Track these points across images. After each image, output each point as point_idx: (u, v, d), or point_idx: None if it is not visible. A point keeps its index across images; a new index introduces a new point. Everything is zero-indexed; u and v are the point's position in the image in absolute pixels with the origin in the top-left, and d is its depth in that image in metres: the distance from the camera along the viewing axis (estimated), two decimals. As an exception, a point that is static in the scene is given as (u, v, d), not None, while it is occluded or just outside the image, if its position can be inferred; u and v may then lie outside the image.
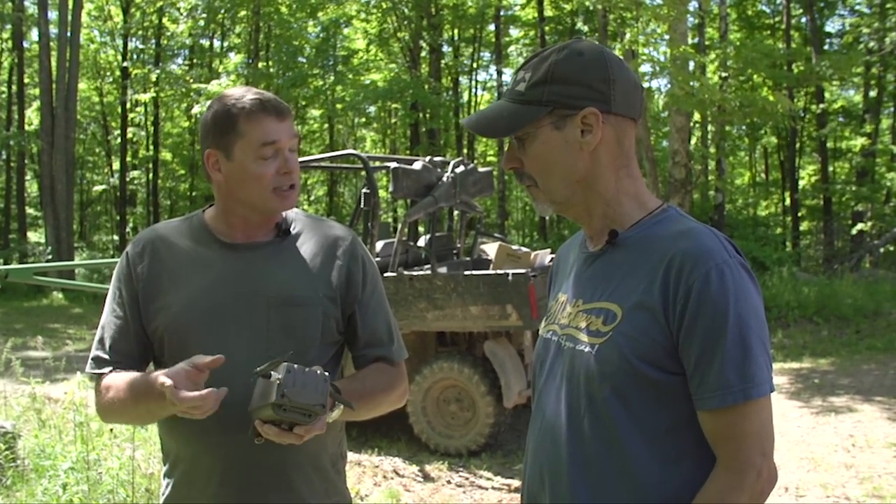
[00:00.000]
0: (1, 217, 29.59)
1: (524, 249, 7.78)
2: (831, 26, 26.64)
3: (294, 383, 1.69)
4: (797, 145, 25.89)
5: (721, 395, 1.44)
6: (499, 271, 6.68)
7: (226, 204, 2.03)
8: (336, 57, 25.84)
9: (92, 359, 2.01)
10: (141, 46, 30.68)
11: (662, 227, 1.60)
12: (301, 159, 6.92)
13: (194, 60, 29.53)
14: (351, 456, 6.26)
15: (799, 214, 25.27)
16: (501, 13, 26.38)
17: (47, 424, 5.74)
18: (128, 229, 30.36)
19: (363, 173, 7.26)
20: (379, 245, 7.48)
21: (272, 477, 1.94)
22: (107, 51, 31.66)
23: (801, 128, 24.49)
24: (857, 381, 9.20)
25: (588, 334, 1.58)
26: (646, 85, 16.72)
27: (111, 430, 5.11)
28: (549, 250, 8.01)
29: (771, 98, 14.24)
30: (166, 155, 30.42)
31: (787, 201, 26.57)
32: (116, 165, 31.75)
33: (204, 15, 24.33)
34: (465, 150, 26.78)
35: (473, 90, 30.96)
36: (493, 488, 6.10)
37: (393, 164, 6.89)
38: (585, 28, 25.48)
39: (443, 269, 6.98)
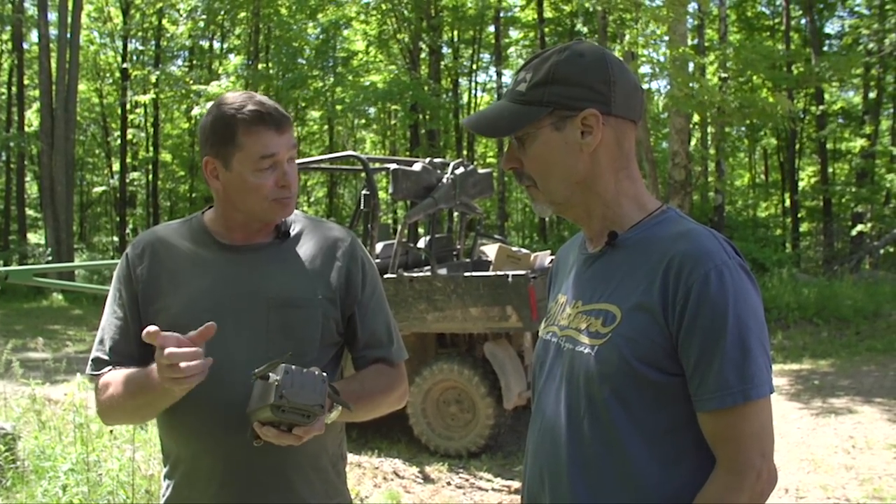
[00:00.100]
0: (1, 218, 29.58)
1: (524, 251, 7.78)
2: (831, 28, 26.74)
3: (292, 384, 1.69)
4: (797, 146, 25.90)
5: (720, 396, 1.44)
6: (499, 273, 6.68)
7: (225, 208, 2.03)
8: (336, 58, 25.86)
9: (92, 360, 2.01)
10: (141, 48, 30.70)
11: (662, 228, 1.60)
12: (300, 161, 6.93)
13: (194, 62, 29.54)
14: (351, 457, 6.26)
15: (799, 216, 25.28)
16: (501, 14, 26.40)
17: (47, 426, 5.74)
18: (127, 231, 30.37)
19: (363, 175, 7.26)
20: (379, 246, 7.48)
21: (272, 478, 1.94)
22: (106, 52, 31.68)
23: (801, 129, 24.50)
24: (857, 382, 9.20)
25: (587, 335, 1.58)
26: (645, 86, 16.74)
27: (111, 431, 5.11)
28: (548, 252, 8.01)
29: (771, 99, 14.24)
30: (166, 156, 30.43)
31: (787, 203, 26.58)
32: (116, 167, 31.76)
33: (203, 16, 24.34)
34: (464, 152, 26.79)
35: (473, 92, 30.98)
36: (494, 490, 6.09)
37: (393, 166, 6.89)
38: (585, 29, 25.49)
39: (443, 271, 6.98)
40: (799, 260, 21.04)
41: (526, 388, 6.64)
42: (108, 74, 32.03)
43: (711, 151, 21.56)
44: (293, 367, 1.71)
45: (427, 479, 6.34)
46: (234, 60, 26.48)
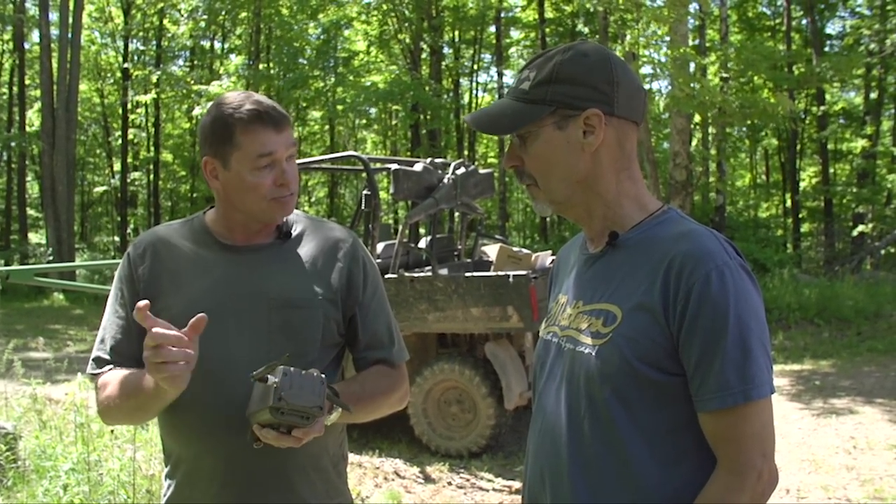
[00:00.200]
0: (2, 218, 29.61)
1: (525, 251, 7.78)
2: (832, 28, 26.74)
3: (291, 386, 1.69)
4: (798, 147, 25.90)
5: (721, 396, 1.44)
6: (500, 273, 6.68)
7: (225, 209, 2.03)
8: (337, 58, 25.88)
9: (93, 359, 2.01)
10: (142, 48, 30.73)
11: (663, 228, 1.60)
12: (301, 161, 6.93)
13: (195, 62, 29.56)
14: (352, 457, 6.26)
15: (800, 216, 25.28)
16: (502, 15, 26.40)
17: (48, 425, 5.74)
18: (128, 230, 30.39)
19: (364, 175, 7.26)
20: (380, 247, 7.48)
21: (273, 478, 1.94)
22: (108, 52, 31.71)
23: (802, 129, 24.51)
24: (858, 382, 9.20)
25: (588, 335, 1.58)
26: (646, 86, 16.70)
27: (112, 431, 5.11)
28: (549, 252, 8.02)
29: (772, 100, 14.24)
30: (167, 156, 30.46)
31: (788, 203, 26.58)
32: (117, 167, 31.79)
33: (205, 16, 24.36)
34: (465, 152, 26.79)
35: (474, 92, 30.98)
36: (494, 490, 6.09)
37: (394, 166, 6.89)
38: (586, 30, 25.47)
39: (444, 271, 6.98)
40: (800, 260, 21.03)
41: (527, 389, 6.63)
42: (109, 74, 32.05)
43: (712, 152, 21.56)
44: (292, 369, 1.72)
45: (428, 480, 6.34)
46: (235, 60, 26.51)
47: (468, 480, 6.32)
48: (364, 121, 29.13)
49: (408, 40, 25.54)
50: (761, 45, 18.40)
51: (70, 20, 22.71)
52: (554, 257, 7.04)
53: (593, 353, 1.55)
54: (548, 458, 1.64)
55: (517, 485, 6.06)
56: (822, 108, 23.24)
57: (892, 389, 8.74)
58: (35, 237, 30.01)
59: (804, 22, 24.48)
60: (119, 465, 4.64)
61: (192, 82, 23.53)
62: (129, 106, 29.46)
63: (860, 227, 20.95)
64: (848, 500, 5.63)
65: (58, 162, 22.14)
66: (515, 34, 29.00)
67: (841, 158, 26.81)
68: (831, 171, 25.65)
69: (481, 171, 8.00)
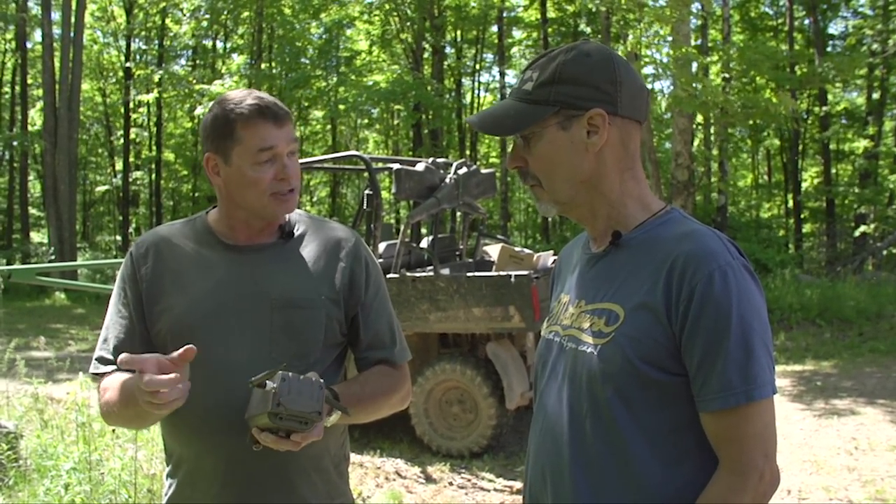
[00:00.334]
0: (4, 217, 29.64)
1: (527, 251, 7.78)
2: (834, 28, 26.72)
3: (289, 391, 1.70)
4: (800, 147, 25.88)
5: (723, 396, 1.44)
6: (501, 273, 6.68)
7: (227, 207, 2.04)
8: (339, 58, 25.89)
9: (96, 359, 2.01)
10: (144, 47, 30.76)
11: (666, 228, 1.60)
12: (303, 160, 6.93)
13: (197, 61, 29.58)
14: (353, 457, 6.26)
15: (801, 216, 25.27)
16: (504, 14, 26.38)
17: (49, 425, 5.74)
18: (130, 230, 30.42)
19: (366, 174, 7.26)
20: (382, 246, 7.48)
21: (274, 478, 1.94)
22: (110, 51, 31.73)
23: (804, 130, 24.50)
24: (859, 383, 9.20)
25: (590, 335, 1.58)
26: (648, 86, 16.67)
27: (113, 430, 5.11)
28: (551, 252, 8.01)
29: (774, 100, 14.23)
30: (169, 155, 30.47)
31: (790, 203, 26.57)
32: (119, 166, 31.80)
33: (207, 16, 24.36)
34: (467, 152, 26.78)
35: (476, 92, 30.99)
36: (496, 490, 6.09)
37: (396, 166, 6.89)
38: (588, 30, 25.48)
39: (445, 271, 6.98)
40: (802, 261, 21.02)
41: (528, 389, 6.63)
42: (111, 74, 32.09)
43: (714, 152, 21.56)
44: (290, 374, 1.72)
45: (429, 480, 6.34)
46: (238, 60, 26.52)
47: (469, 481, 6.32)
48: (366, 120, 29.13)
49: (410, 40, 25.54)
50: (763, 45, 18.36)
51: (72, 19, 22.74)
52: (555, 257, 7.05)
53: (595, 353, 1.55)
54: (549, 457, 1.64)
55: (518, 485, 6.06)
56: (825, 108, 23.21)
57: (894, 390, 8.74)
58: (37, 236, 30.04)
59: (806, 22, 24.47)
60: (120, 465, 4.64)
61: (195, 82, 23.54)
62: (132, 105, 29.47)
63: (862, 228, 20.92)
64: (849, 501, 5.63)
65: (60, 161, 22.15)
66: (517, 34, 28.99)
67: (843, 159, 26.78)
68: (833, 171, 25.62)
69: (483, 170, 7.99)
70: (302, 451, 1.82)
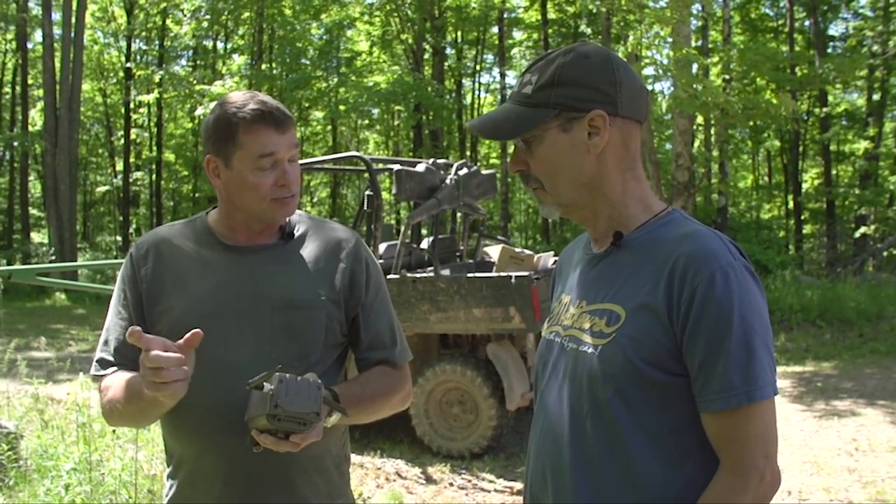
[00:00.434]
0: (4, 217, 29.66)
1: (527, 252, 7.78)
2: (835, 29, 26.73)
3: (287, 393, 1.70)
4: (800, 148, 25.90)
5: (725, 397, 1.44)
6: (502, 274, 6.68)
7: (227, 208, 2.04)
8: (339, 59, 25.90)
9: (97, 360, 2.01)
10: (144, 48, 30.78)
11: (667, 229, 1.60)
12: (304, 161, 6.93)
13: (198, 62, 29.60)
14: (353, 458, 6.25)
15: (802, 218, 25.28)
16: (505, 15, 26.41)
17: (50, 425, 5.74)
18: (131, 230, 30.43)
19: (366, 175, 7.26)
20: (382, 247, 7.48)
21: (275, 479, 1.94)
22: (110, 52, 31.75)
23: (805, 131, 24.51)
24: (860, 384, 9.19)
25: (591, 335, 1.58)
26: (649, 87, 16.69)
27: (114, 431, 5.11)
28: (552, 253, 8.02)
29: (774, 101, 14.23)
30: (169, 156, 30.49)
31: (790, 204, 26.59)
32: (120, 166, 31.81)
33: (207, 16, 24.37)
34: (468, 153, 26.79)
35: (476, 92, 31.01)
36: (496, 491, 6.09)
37: (396, 167, 6.89)
38: (589, 31, 25.50)
39: (446, 272, 6.98)
40: (802, 262, 21.03)
41: (528, 390, 6.63)
42: (111, 74, 32.11)
43: (715, 153, 21.57)
44: (287, 375, 1.72)
45: (429, 480, 6.34)
46: (238, 60, 26.50)
47: (470, 481, 6.32)
48: (366, 121, 29.14)
49: (410, 41, 25.55)
50: (764, 47, 18.34)
51: (73, 20, 22.75)
52: (556, 258, 7.05)
53: (596, 353, 1.55)
54: (550, 458, 1.64)
55: (519, 486, 6.06)
56: (825, 109, 23.21)
57: (894, 391, 8.74)
58: (37, 237, 30.04)
59: (807, 23, 24.49)
60: (121, 465, 4.64)
61: (195, 82, 23.54)
62: (132, 106, 29.48)
63: (862, 229, 20.93)
64: (850, 502, 5.62)
65: (60, 161, 22.16)
66: (518, 35, 29.02)
67: (843, 160, 26.80)
68: (834, 172, 25.64)
69: (484, 171, 7.99)
70: (303, 452, 1.82)
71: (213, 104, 2.01)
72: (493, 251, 8.33)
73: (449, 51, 27.96)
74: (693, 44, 16.19)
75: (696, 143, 20.36)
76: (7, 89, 29.82)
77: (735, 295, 1.45)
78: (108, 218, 35.82)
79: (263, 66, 24.62)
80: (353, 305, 2.05)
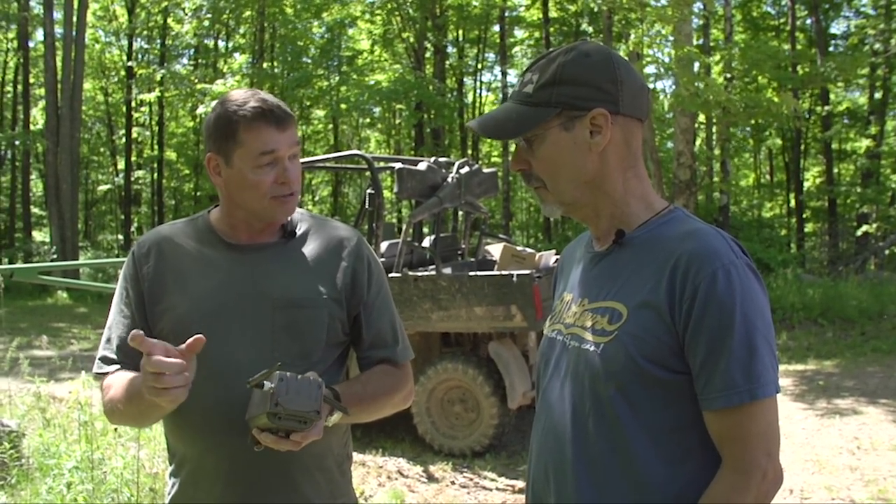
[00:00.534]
0: (6, 216, 29.69)
1: (529, 250, 7.78)
2: (836, 28, 26.71)
3: (287, 391, 1.70)
4: (802, 147, 25.89)
5: (727, 395, 1.44)
6: (503, 272, 6.68)
7: (228, 206, 2.03)
8: (341, 57, 25.90)
9: (99, 358, 2.01)
10: (146, 46, 30.79)
11: (669, 227, 1.60)
12: (305, 160, 6.93)
13: (199, 60, 29.61)
14: (355, 456, 6.23)
15: (804, 216, 25.27)
16: (506, 14, 26.40)
17: (52, 423, 5.75)
18: (132, 229, 30.46)
19: (368, 174, 7.26)
20: (384, 245, 7.47)
21: (277, 478, 1.94)
22: (112, 51, 31.77)
23: (806, 129, 24.49)
24: (861, 383, 9.19)
25: (593, 333, 1.58)
26: (650, 86, 16.68)
27: (116, 429, 5.11)
28: (553, 251, 8.01)
29: (776, 99, 14.21)
30: (171, 155, 30.50)
31: (792, 203, 26.57)
32: (121, 165, 31.85)
33: (209, 15, 24.37)
34: (469, 151, 26.79)
35: (478, 91, 31.01)
36: (498, 489, 6.09)
37: (397, 165, 6.89)
38: (590, 29, 25.49)
39: (447, 270, 6.98)
40: (804, 260, 21.03)
41: (530, 388, 6.63)
42: (113, 73, 32.13)
43: (716, 151, 21.56)
44: (288, 374, 1.72)
45: (431, 479, 6.34)
46: (239, 59, 26.55)
47: (471, 480, 6.32)
48: (368, 120, 29.15)
49: (412, 39, 25.55)
50: (766, 45, 18.32)
51: (74, 18, 22.76)
52: (557, 257, 7.04)
53: (598, 351, 1.55)
54: (552, 456, 1.64)
55: (520, 484, 6.06)
56: (827, 107, 23.21)
57: (896, 390, 8.74)
58: (39, 235, 30.05)
59: (809, 21, 24.46)
60: (123, 464, 4.64)
61: (196, 81, 23.56)
62: (133, 104, 29.49)
63: (864, 227, 20.93)
64: (851, 501, 5.62)
65: (62, 160, 22.18)
66: (519, 33, 29.03)
67: (845, 158, 26.79)
68: (835, 170, 25.63)
69: (485, 170, 7.99)
70: (305, 451, 1.82)
71: (214, 103, 2.01)
72: (495, 249, 8.33)
73: (450, 49, 27.96)
74: (694, 42, 16.17)
75: (698, 142, 20.35)
76: (9, 88, 29.85)
77: (737, 293, 1.45)
78: (110, 217, 35.86)
79: (265, 65, 24.63)
80: (354, 304, 2.04)
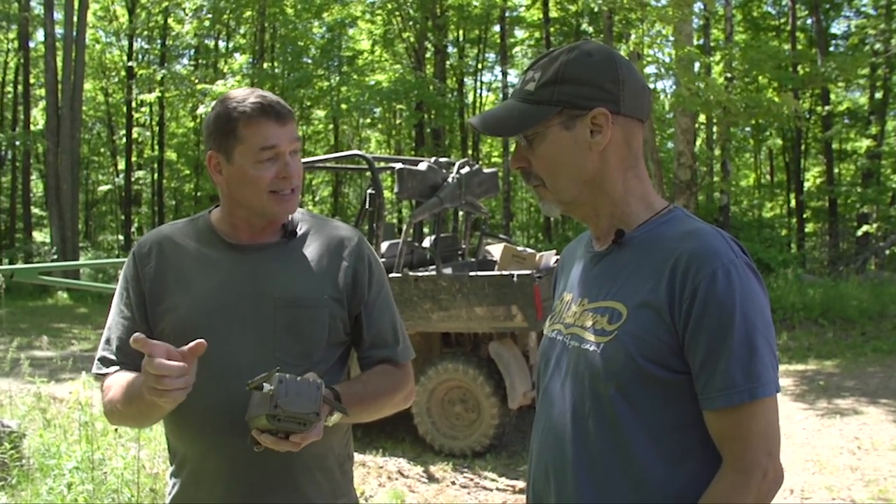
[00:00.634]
0: (6, 217, 29.70)
1: (529, 250, 7.78)
2: (837, 28, 26.67)
3: (286, 393, 1.70)
4: (802, 147, 25.88)
5: (727, 394, 1.44)
6: (504, 272, 6.67)
7: (230, 205, 2.03)
8: (341, 57, 25.91)
9: (98, 359, 2.01)
10: (146, 47, 30.80)
11: (669, 227, 1.60)
12: (306, 160, 6.93)
13: (199, 61, 29.62)
14: (356, 456, 6.25)
15: (804, 216, 25.26)
16: (506, 14, 26.39)
17: (52, 424, 5.75)
18: (133, 229, 30.47)
19: (368, 174, 7.26)
20: (384, 246, 7.47)
21: (279, 478, 1.94)
22: (112, 51, 31.78)
23: (807, 129, 24.48)
24: (862, 383, 9.19)
25: (593, 333, 1.58)
26: (651, 86, 16.68)
27: (116, 429, 5.11)
28: (553, 251, 8.01)
29: (776, 99, 14.22)
30: (171, 155, 30.50)
31: (793, 203, 26.57)
32: (122, 165, 31.86)
33: (209, 15, 24.37)
34: (470, 151, 26.80)
35: (478, 91, 31.01)
36: (498, 489, 6.09)
37: (398, 165, 6.89)
38: (591, 29, 25.48)
39: (448, 270, 6.98)
40: (804, 260, 21.02)
41: (531, 388, 6.63)
42: (113, 73, 32.13)
43: (717, 151, 21.56)
44: (287, 375, 1.73)
45: (431, 479, 6.34)
46: (240, 59, 26.55)
47: (472, 480, 6.32)
48: (368, 120, 29.16)
49: (412, 39, 25.55)
50: (766, 45, 18.33)
51: (75, 19, 22.77)
52: (558, 257, 7.04)
53: (598, 351, 1.55)
54: (552, 455, 1.64)
55: (521, 484, 6.06)
56: (827, 107, 23.20)
57: (897, 390, 8.73)
58: (39, 236, 30.06)
59: (809, 21, 24.45)
60: (123, 464, 4.64)
61: (197, 81, 23.57)
62: (134, 105, 29.50)
63: (864, 227, 20.92)
64: (852, 501, 5.62)
65: (62, 161, 22.19)
66: (520, 33, 29.03)
67: (845, 158, 26.78)
68: (836, 170, 25.62)
69: (485, 170, 7.99)
70: (306, 451, 1.82)
71: (214, 102, 2.01)
72: (495, 250, 8.33)
73: (451, 49, 27.95)
74: (695, 42, 16.17)
75: (698, 142, 20.34)
76: (9, 88, 29.87)
77: (737, 292, 1.45)
78: (110, 217, 35.86)
79: (265, 65, 24.64)
80: (355, 304, 2.04)
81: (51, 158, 23.03)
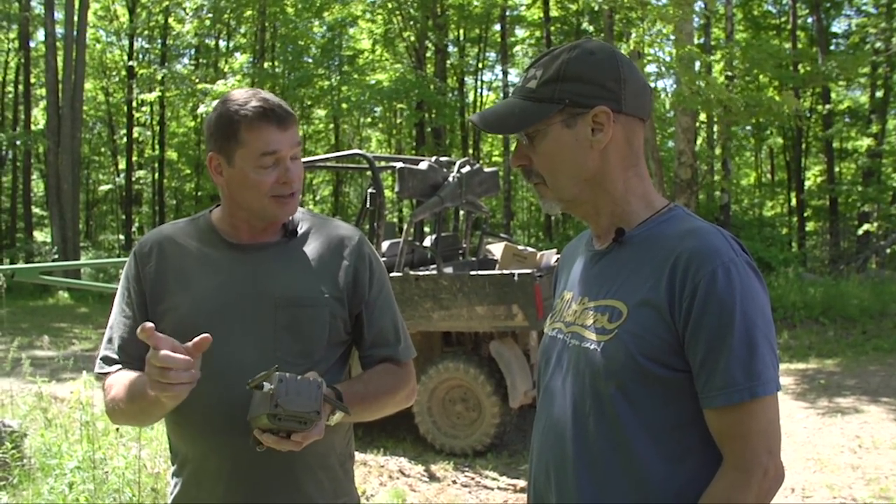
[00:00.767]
0: (7, 216, 29.71)
1: (530, 249, 7.78)
2: (837, 27, 26.62)
3: (287, 392, 1.70)
4: (803, 146, 25.86)
5: (727, 393, 1.44)
6: (505, 271, 6.67)
7: (230, 206, 2.03)
8: (342, 57, 25.91)
9: (101, 358, 2.01)
10: (147, 46, 30.79)
11: (669, 225, 1.60)
12: (306, 159, 6.93)
13: (200, 60, 29.61)
14: (357, 455, 6.25)
15: (805, 215, 25.25)
16: (507, 13, 26.38)
17: (53, 423, 5.75)
18: (133, 229, 30.46)
19: (369, 173, 7.26)
20: (385, 245, 7.47)
21: (280, 477, 1.94)
22: (113, 50, 31.77)
23: (807, 128, 24.46)
24: (863, 381, 9.19)
25: (594, 331, 1.58)
26: (652, 85, 16.66)
27: (117, 429, 5.11)
28: (554, 250, 8.01)
29: (777, 98, 14.21)
30: (172, 154, 30.50)
31: (793, 202, 26.55)
32: (122, 165, 31.86)
33: (210, 15, 24.37)
34: (470, 150, 26.79)
35: (479, 90, 30.98)
36: (499, 488, 6.09)
37: (398, 164, 6.89)
38: (591, 28, 25.47)
39: (449, 269, 6.98)
40: (805, 259, 21.02)
41: (531, 387, 6.63)
42: (114, 73, 32.12)
43: (717, 150, 21.53)
44: (288, 375, 1.73)
45: (432, 478, 6.34)
46: (240, 59, 26.56)
47: (473, 479, 6.32)
48: (369, 119, 29.16)
49: (413, 38, 25.54)
50: (767, 44, 18.32)
51: (75, 18, 22.77)
52: (558, 255, 7.04)
53: (599, 349, 1.55)
54: (553, 454, 1.64)
55: (522, 483, 6.06)
56: (828, 106, 23.19)
57: (898, 388, 8.73)
58: (40, 235, 30.05)
59: (810, 20, 24.42)
60: (124, 464, 4.65)
61: (197, 81, 23.57)
62: (135, 104, 29.49)
63: (865, 226, 20.91)
64: (853, 500, 5.62)
65: (63, 160, 22.19)
66: (520, 32, 29.03)
67: (846, 157, 26.76)
68: (836, 169, 25.60)
69: (486, 169, 7.99)
70: (308, 450, 1.82)
71: (215, 102, 2.01)
72: (496, 249, 8.34)
73: (451, 48, 27.94)
74: (696, 41, 16.16)
75: (699, 141, 20.33)
76: (10, 88, 29.87)
77: (737, 291, 1.45)
78: (111, 217, 35.84)
79: (266, 65, 24.64)
80: (356, 303, 2.04)
81: (51, 158, 23.03)
